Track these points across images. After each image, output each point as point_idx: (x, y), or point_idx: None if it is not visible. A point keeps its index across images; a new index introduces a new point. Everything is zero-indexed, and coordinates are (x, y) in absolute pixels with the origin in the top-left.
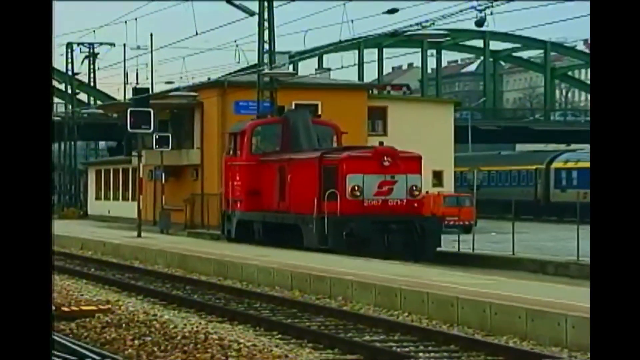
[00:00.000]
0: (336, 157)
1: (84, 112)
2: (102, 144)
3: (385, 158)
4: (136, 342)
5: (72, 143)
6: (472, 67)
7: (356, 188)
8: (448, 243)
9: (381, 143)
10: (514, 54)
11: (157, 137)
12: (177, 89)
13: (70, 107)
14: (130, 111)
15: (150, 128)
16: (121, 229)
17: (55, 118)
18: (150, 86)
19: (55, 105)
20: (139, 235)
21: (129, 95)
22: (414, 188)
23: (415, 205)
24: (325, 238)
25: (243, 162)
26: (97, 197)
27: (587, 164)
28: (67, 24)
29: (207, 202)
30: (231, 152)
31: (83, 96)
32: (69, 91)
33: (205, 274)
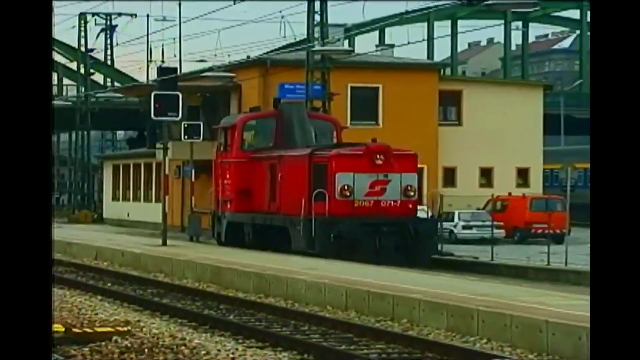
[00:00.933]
0: (325, 155)
1: (99, 96)
2: (120, 134)
3: (378, 156)
4: None
5: (85, 133)
6: (565, 43)
7: (346, 187)
8: (536, 255)
9: (374, 140)
10: None
11: (186, 126)
12: (210, 69)
13: (82, 90)
14: (155, 95)
15: (178, 115)
16: (143, 236)
17: (65, 103)
18: (178, 65)
19: (64, 87)
20: (164, 244)
21: (153, 76)
22: (409, 188)
23: (410, 206)
24: (313, 241)
25: (233, 159)
26: (114, 198)
27: None
28: None
29: None
30: (222, 148)
31: (98, 77)
32: (82, 71)
33: (243, 290)
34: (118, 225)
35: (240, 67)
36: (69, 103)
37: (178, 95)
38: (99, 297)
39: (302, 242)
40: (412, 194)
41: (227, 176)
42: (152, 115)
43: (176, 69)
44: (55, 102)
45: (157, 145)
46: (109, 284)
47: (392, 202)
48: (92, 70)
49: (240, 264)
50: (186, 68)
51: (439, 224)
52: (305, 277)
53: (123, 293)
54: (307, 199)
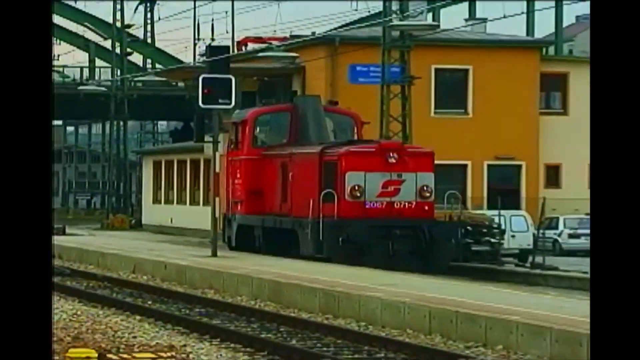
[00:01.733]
0: (335, 153)
1: (137, 81)
2: (162, 124)
3: (391, 154)
4: None
5: (122, 123)
6: None
7: (356, 188)
8: None
9: (387, 137)
10: None
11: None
12: (269, 48)
13: (118, 73)
14: (203, 79)
15: (230, 103)
16: (189, 245)
17: (98, 89)
18: (230, 44)
19: (97, 70)
20: (214, 254)
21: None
22: (425, 188)
23: (426, 208)
24: (321, 245)
25: (244, 156)
26: (155, 200)
27: None
28: None
29: None
30: (232, 146)
31: (136, 58)
32: (117, 51)
33: (307, 309)
34: (159, 233)
35: (305, 46)
36: (103, 88)
37: (230, 80)
38: (138, 317)
39: (310, 246)
40: (428, 194)
41: (238, 175)
42: (200, 103)
43: (228, 48)
44: (87, 88)
45: (206, 138)
46: (150, 302)
47: (406, 204)
48: (129, 50)
49: (306, 279)
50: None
51: (459, 228)
52: (381, 295)
53: (166, 312)
54: (316, 200)
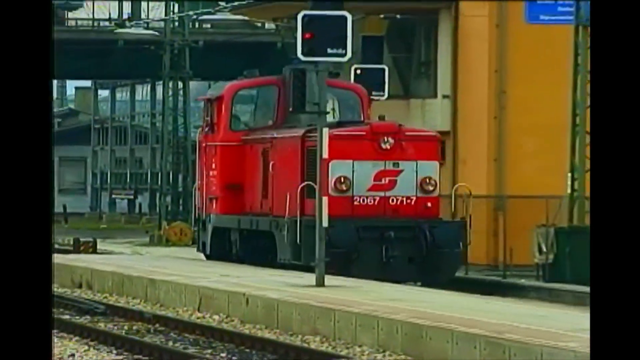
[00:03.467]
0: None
1: (204, 20)
2: None
3: (386, 138)
4: None
5: (180, 85)
6: None
7: (342, 180)
8: None
9: (382, 117)
10: None
11: (358, 72)
12: None
13: (175, 10)
14: (304, 18)
15: (344, 53)
16: (280, 268)
17: (144, 33)
18: None
19: (143, 5)
20: (321, 283)
21: None
22: (427, 181)
23: (429, 204)
24: (299, 250)
25: (220, 142)
26: None
27: None
28: None
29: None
30: (207, 129)
31: None
32: None
33: None
34: None
35: None
36: (153, 33)
37: (345, 19)
38: None
39: (287, 251)
40: (431, 188)
41: (213, 166)
42: (299, 54)
43: None
44: (129, 32)
45: (308, 107)
46: (224, 355)
47: (404, 199)
48: None
49: (456, 320)
50: None
51: (467, 227)
52: (575, 345)
53: None
54: (296, 195)
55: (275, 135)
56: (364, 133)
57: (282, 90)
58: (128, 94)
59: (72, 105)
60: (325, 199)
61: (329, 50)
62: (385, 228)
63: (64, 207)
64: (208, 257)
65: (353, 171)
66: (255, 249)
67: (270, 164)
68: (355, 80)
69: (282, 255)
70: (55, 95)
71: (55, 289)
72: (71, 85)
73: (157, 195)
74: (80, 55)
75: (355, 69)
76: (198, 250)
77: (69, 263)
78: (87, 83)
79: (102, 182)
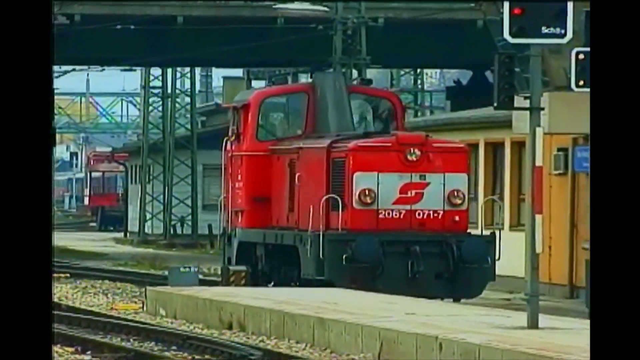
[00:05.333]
0: (343, 148)
1: None
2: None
3: (412, 149)
4: None
5: (356, 74)
6: None
7: (367, 192)
8: None
9: (407, 128)
10: None
11: (580, 56)
12: None
13: None
14: None
15: (565, 34)
16: (478, 304)
17: (315, 8)
18: None
19: None
20: (533, 324)
21: None
22: (456, 194)
23: (457, 219)
24: (322, 264)
25: (246, 152)
26: None
27: None
28: None
29: None
30: (233, 138)
31: None
32: None
33: None
34: None
35: None
36: (322, 9)
37: None
38: None
39: (311, 266)
40: (459, 201)
41: (239, 177)
42: (507, 34)
43: None
44: (290, 7)
45: (517, 101)
46: None
47: (430, 213)
48: None
49: None
50: None
51: (496, 242)
52: None
53: None
54: (321, 207)
55: (301, 146)
56: (389, 144)
57: (312, 97)
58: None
59: (219, 100)
60: (538, 218)
61: (544, 30)
62: (411, 242)
63: (209, 227)
64: None
65: (378, 183)
66: (280, 264)
67: (297, 176)
68: (576, 67)
69: (306, 270)
70: (197, 87)
71: (199, 330)
72: (218, 74)
73: None
74: (230, 36)
75: (577, 53)
76: (223, 265)
77: (217, 298)
78: (238, 72)
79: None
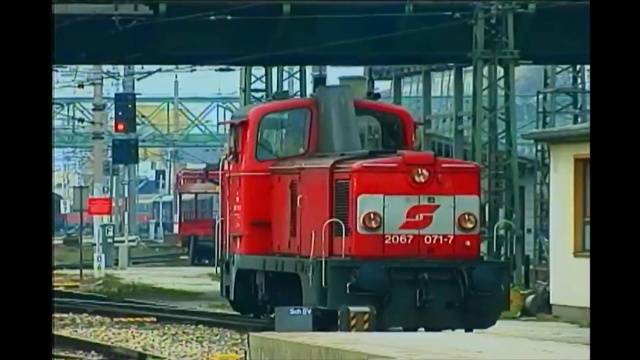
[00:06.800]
0: (347, 168)
1: None
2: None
3: (420, 170)
4: None
5: (501, 71)
6: None
7: (372, 216)
8: None
9: (415, 147)
10: None
11: None
12: None
13: None
14: None
15: None
16: None
17: None
18: None
19: None
20: None
21: None
22: (467, 217)
23: (468, 244)
24: (325, 293)
25: (244, 172)
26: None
27: None
28: None
29: None
30: (231, 157)
31: None
32: None
33: None
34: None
35: None
36: None
37: None
38: None
39: (313, 295)
40: (470, 225)
41: (237, 200)
42: None
43: None
44: None
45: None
46: None
47: (440, 238)
48: None
49: None
50: None
51: (510, 269)
52: None
53: None
54: (323, 232)
55: (303, 166)
56: (395, 165)
57: (315, 114)
58: (420, 85)
59: None
60: None
61: None
62: (419, 269)
63: None
64: (232, 303)
65: (384, 207)
66: (281, 293)
67: (298, 198)
68: None
69: (308, 299)
70: (309, 89)
71: None
72: (333, 74)
73: None
74: (348, 28)
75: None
76: (221, 295)
77: (335, 346)
78: (358, 71)
79: None
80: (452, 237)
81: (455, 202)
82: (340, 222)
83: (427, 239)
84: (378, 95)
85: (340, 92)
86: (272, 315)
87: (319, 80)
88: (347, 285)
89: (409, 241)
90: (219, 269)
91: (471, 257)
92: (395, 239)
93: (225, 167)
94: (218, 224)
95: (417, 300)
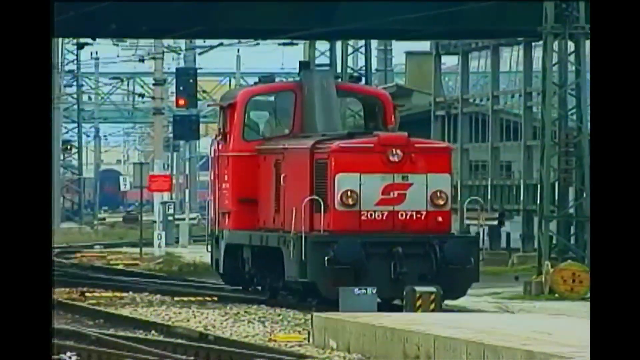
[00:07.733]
0: (326, 149)
1: None
2: None
3: (394, 150)
4: None
5: (572, 46)
6: None
7: (349, 194)
8: None
9: (391, 128)
10: None
11: None
12: None
13: None
14: None
15: None
16: None
17: None
18: None
19: None
20: None
21: None
22: (438, 194)
23: (440, 219)
24: (305, 266)
25: (232, 152)
26: None
27: None
28: None
29: None
30: (219, 137)
31: None
32: None
33: None
34: None
35: None
36: None
37: None
38: None
39: (294, 268)
40: (442, 202)
41: (225, 178)
42: None
43: None
44: None
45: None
46: None
47: (413, 214)
48: None
49: None
50: None
51: (479, 242)
52: None
53: None
54: (305, 209)
55: (286, 146)
56: (371, 145)
57: (299, 96)
58: (488, 61)
59: (400, 81)
60: None
61: None
62: (393, 244)
63: None
64: (222, 276)
65: (360, 185)
66: (265, 266)
67: (282, 177)
68: None
69: (289, 272)
70: (374, 64)
71: None
72: (399, 49)
73: (536, 220)
74: (412, 2)
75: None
76: (211, 268)
77: (400, 327)
78: (425, 45)
79: None
80: (424, 213)
81: (428, 180)
82: (320, 199)
83: (401, 215)
84: (359, 78)
85: (322, 76)
86: (259, 287)
87: (304, 65)
88: (326, 258)
89: (384, 217)
90: (209, 244)
91: (443, 231)
92: (371, 215)
93: (215, 147)
94: (208, 202)
95: (391, 273)
